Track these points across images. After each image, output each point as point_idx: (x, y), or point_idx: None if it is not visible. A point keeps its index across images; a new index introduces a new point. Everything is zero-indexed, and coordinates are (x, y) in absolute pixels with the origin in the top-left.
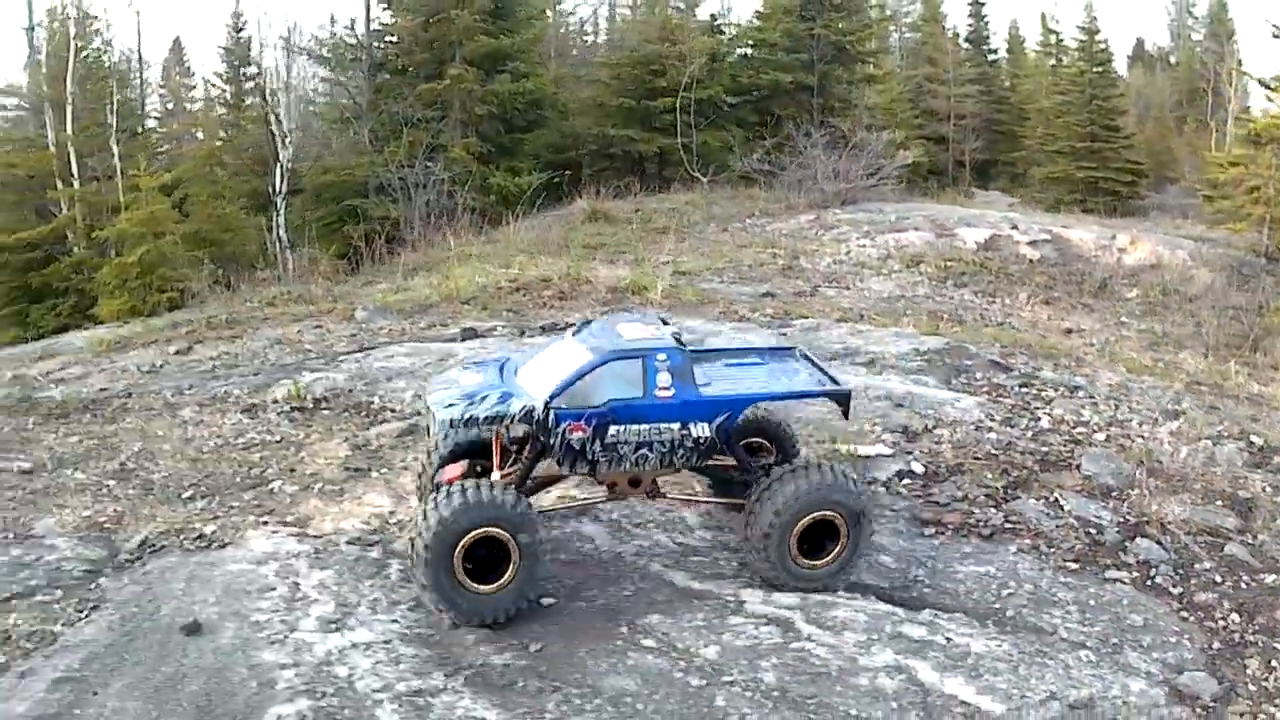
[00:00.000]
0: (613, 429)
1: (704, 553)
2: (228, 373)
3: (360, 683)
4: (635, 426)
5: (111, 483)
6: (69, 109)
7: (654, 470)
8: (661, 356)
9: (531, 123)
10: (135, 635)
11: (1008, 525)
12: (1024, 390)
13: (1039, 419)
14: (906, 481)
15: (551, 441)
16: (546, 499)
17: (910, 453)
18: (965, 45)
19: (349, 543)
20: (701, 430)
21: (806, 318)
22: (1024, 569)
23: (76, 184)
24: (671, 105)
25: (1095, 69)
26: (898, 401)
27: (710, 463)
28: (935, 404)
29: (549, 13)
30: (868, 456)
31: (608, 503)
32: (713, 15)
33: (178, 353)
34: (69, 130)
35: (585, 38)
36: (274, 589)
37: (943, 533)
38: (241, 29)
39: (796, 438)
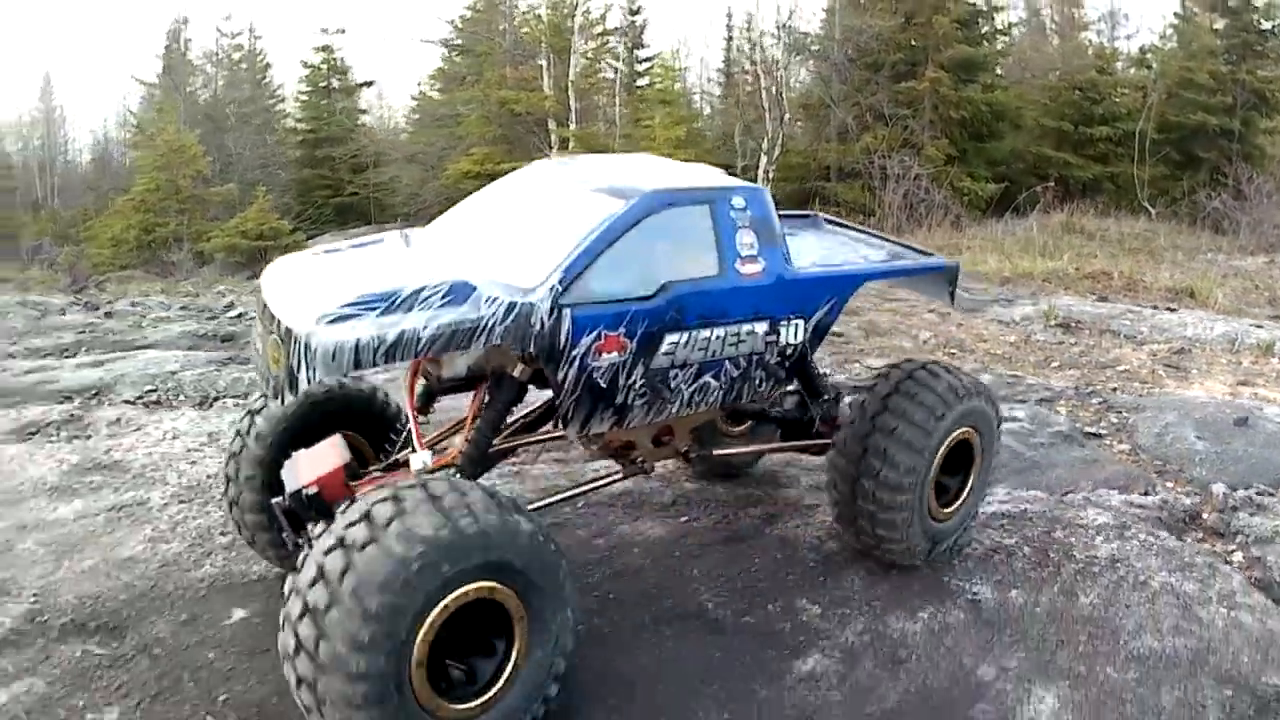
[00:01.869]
0: (669, 339)
1: None
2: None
3: None
4: (707, 332)
5: None
6: (573, 56)
7: (708, 411)
8: (738, 201)
9: (989, 133)
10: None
11: None
12: None
13: None
14: None
15: (561, 375)
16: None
17: None
18: None
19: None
20: (795, 333)
21: None
22: None
23: (572, 125)
24: (1108, 134)
25: None
26: None
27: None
28: None
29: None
30: None
31: (621, 481)
32: (1142, 48)
33: None
34: (570, 76)
35: None
36: None
37: None
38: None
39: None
